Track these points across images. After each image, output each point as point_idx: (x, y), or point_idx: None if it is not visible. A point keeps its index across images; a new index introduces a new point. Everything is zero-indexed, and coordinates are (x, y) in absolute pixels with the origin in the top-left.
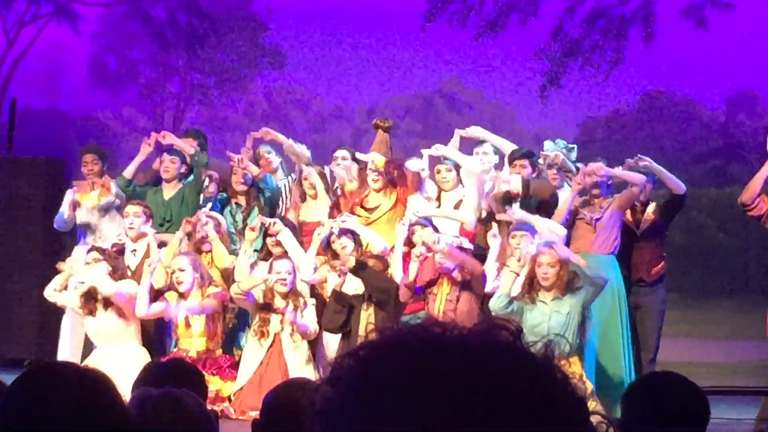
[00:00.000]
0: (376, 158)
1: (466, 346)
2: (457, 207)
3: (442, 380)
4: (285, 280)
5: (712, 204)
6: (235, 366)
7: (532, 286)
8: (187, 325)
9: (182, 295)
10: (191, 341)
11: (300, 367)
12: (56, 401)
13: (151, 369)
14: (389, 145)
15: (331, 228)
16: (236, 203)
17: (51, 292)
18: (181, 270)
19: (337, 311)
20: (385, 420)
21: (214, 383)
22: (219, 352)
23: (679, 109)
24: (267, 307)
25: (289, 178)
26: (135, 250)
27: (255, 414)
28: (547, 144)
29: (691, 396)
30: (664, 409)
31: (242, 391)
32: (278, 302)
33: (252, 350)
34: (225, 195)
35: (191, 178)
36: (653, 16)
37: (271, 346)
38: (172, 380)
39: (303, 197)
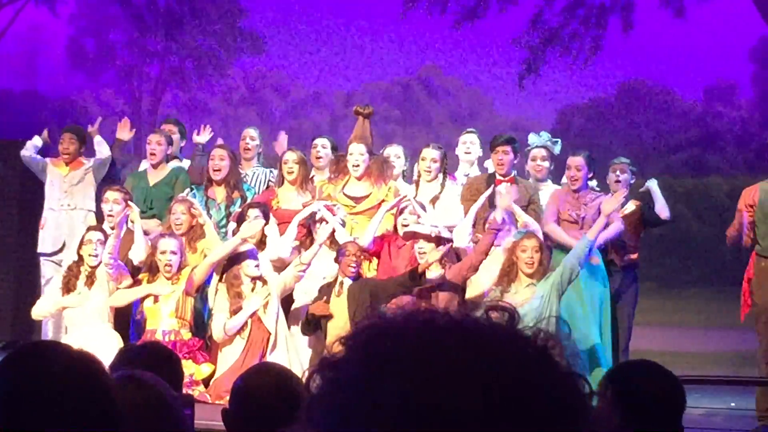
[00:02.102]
0: (357, 147)
1: (467, 326)
2: (433, 202)
3: (449, 361)
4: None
5: (688, 193)
6: (205, 348)
7: (509, 276)
8: (156, 302)
9: (164, 278)
10: (160, 321)
11: (282, 342)
12: (46, 382)
13: (125, 353)
14: (370, 131)
15: (315, 210)
16: (210, 198)
17: (39, 312)
18: (173, 253)
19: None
20: (389, 401)
21: (188, 367)
22: (188, 335)
23: (657, 98)
24: (237, 296)
25: (269, 171)
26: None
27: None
28: (532, 137)
29: (666, 384)
30: (639, 397)
31: (221, 376)
32: (245, 288)
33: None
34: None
35: (181, 167)
36: (632, 6)
37: (250, 333)
38: (147, 364)
39: (281, 182)
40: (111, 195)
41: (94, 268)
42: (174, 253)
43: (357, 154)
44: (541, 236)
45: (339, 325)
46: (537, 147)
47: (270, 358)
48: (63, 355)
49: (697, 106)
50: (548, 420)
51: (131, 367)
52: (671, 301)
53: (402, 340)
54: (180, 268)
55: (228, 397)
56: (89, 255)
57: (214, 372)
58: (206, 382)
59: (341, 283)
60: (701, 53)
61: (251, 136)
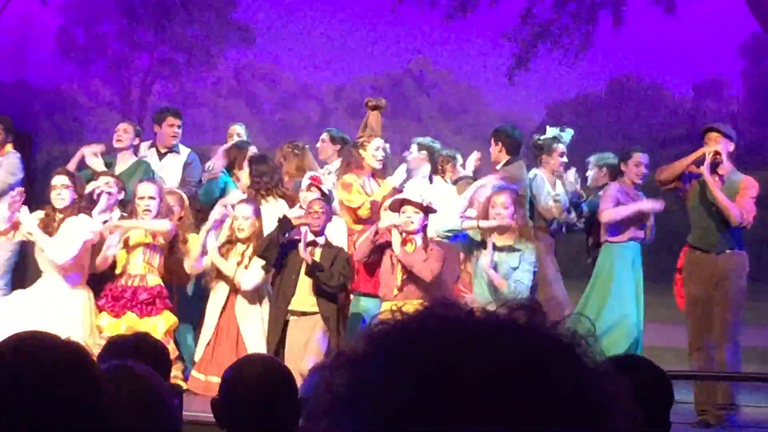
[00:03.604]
0: (380, 142)
1: (494, 326)
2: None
3: (481, 363)
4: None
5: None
6: (170, 297)
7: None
8: (127, 248)
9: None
10: (127, 265)
11: (253, 327)
12: (34, 373)
13: (113, 343)
14: (381, 124)
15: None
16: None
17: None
18: (152, 198)
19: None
20: (421, 403)
21: (140, 325)
22: (155, 281)
23: (647, 94)
24: (230, 242)
25: None
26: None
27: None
28: (550, 129)
29: (654, 379)
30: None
31: (201, 360)
32: (233, 256)
33: (210, 310)
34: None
35: (142, 160)
36: (623, 1)
37: (224, 308)
38: (135, 354)
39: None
40: (58, 180)
41: (63, 210)
42: (152, 198)
43: (381, 149)
44: (507, 198)
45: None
46: (563, 143)
47: (244, 337)
48: (51, 345)
49: (686, 101)
50: (575, 420)
51: (119, 358)
52: (659, 296)
53: (430, 339)
54: (159, 215)
55: (209, 377)
56: (56, 198)
57: (175, 325)
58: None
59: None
60: (691, 49)
61: (238, 133)
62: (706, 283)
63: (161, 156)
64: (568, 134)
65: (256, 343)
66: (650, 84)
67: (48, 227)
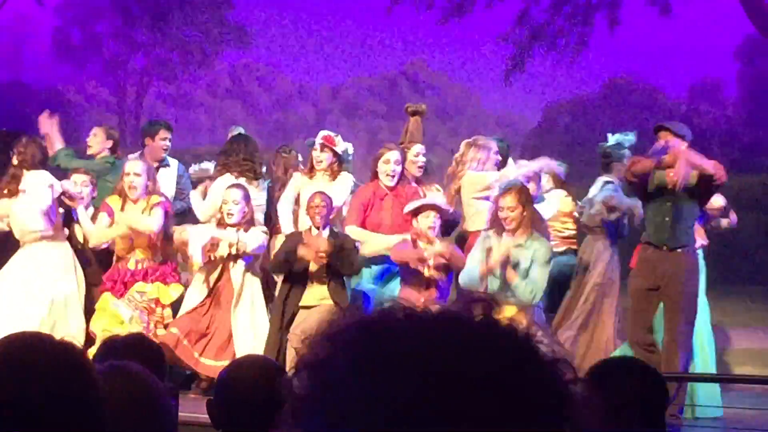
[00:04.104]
0: (421, 148)
1: (450, 321)
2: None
3: (436, 357)
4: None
5: None
6: (178, 272)
7: (498, 223)
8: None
9: (133, 201)
10: (132, 252)
11: (246, 305)
12: (29, 374)
13: (110, 344)
14: (422, 130)
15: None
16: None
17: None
18: (137, 174)
19: (285, 256)
20: (381, 400)
21: (153, 291)
22: (159, 258)
23: (642, 96)
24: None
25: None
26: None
27: (205, 362)
28: (614, 136)
29: (650, 381)
30: (623, 393)
31: (184, 315)
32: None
33: (197, 283)
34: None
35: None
36: (618, 3)
37: (218, 280)
38: (131, 355)
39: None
40: (78, 178)
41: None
42: (138, 174)
43: (421, 155)
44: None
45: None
46: (628, 148)
47: (233, 313)
48: (47, 346)
49: (681, 104)
50: (535, 407)
51: (116, 358)
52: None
53: (388, 337)
54: (148, 192)
55: (203, 360)
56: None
57: (183, 296)
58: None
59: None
60: (687, 51)
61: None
62: (655, 278)
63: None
64: (630, 138)
65: (247, 325)
66: (645, 86)
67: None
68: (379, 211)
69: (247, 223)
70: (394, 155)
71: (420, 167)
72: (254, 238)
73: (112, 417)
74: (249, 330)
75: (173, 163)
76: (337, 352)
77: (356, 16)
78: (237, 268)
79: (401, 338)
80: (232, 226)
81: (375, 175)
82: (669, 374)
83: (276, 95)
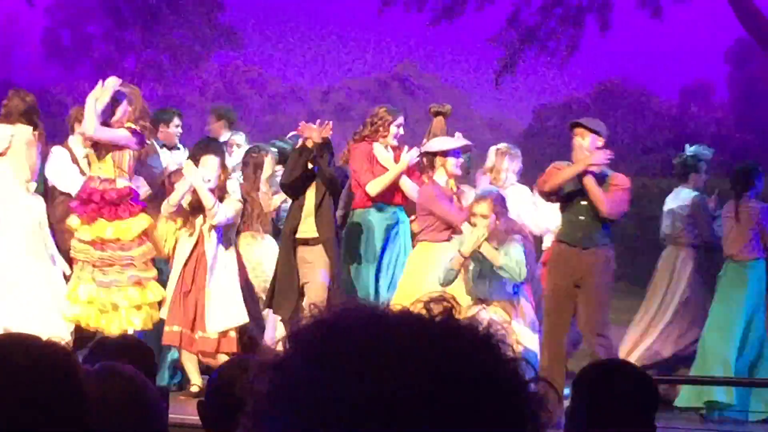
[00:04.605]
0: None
1: (410, 320)
2: None
3: (398, 356)
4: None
5: (663, 194)
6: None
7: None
8: (98, 154)
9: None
10: (98, 167)
11: (220, 273)
12: (14, 375)
13: (99, 345)
14: (446, 130)
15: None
16: None
17: None
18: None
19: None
20: (340, 399)
21: (98, 229)
22: (123, 184)
23: (633, 99)
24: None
25: None
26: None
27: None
28: (691, 148)
29: (640, 383)
30: (614, 396)
31: (171, 305)
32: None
33: (180, 253)
34: None
35: None
36: (609, 5)
37: (195, 245)
38: (121, 356)
39: None
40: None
41: None
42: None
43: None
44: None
45: None
46: (705, 160)
47: (207, 285)
48: (32, 347)
49: (672, 106)
50: (494, 406)
51: (105, 359)
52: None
53: (348, 337)
54: (125, 113)
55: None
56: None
57: (152, 228)
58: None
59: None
60: (677, 54)
61: (237, 143)
62: (569, 277)
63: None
64: (707, 154)
65: (221, 294)
66: (637, 88)
67: None
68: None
69: (221, 189)
70: (401, 120)
71: (459, 167)
72: (224, 212)
73: (103, 419)
74: (222, 302)
75: (184, 149)
76: (296, 352)
77: (347, 17)
78: (211, 241)
79: (360, 338)
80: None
81: (368, 136)
82: (658, 377)
83: (267, 97)
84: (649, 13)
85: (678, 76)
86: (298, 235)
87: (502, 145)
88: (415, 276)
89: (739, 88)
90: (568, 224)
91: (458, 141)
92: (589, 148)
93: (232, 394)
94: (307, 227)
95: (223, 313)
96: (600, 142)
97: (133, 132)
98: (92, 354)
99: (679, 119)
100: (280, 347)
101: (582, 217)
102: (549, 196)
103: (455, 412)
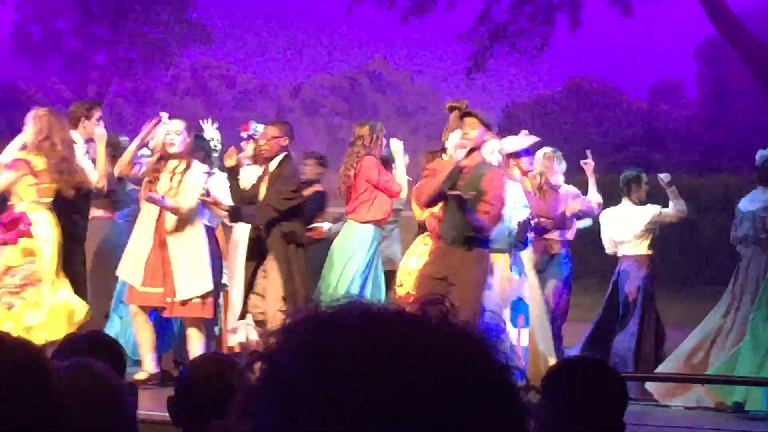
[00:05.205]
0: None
1: (406, 321)
2: None
3: (391, 355)
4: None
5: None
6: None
7: None
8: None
9: None
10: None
11: (183, 254)
12: None
13: (69, 342)
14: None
15: None
16: None
17: None
18: None
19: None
20: (332, 394)
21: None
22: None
23: (603, 96)
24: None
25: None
26: None
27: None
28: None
29: (609, 381)
30: (583, 393)
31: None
32: (165, 173)
33: (141, 231)
34: None
35: None
36: (580, 4)
37: (157, 224)
38: (90, 352)
39: None
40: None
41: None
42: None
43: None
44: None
45: None
46: None
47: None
48: (1, 345)
49: (642, 104)
50: (484, 412)
51: (75, 356)
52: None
53: (341, 333)
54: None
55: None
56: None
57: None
58: None
59: None
60: (647, 52)
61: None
62: (445, 269)
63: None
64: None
65: (183, 262)
66: (606, 86)
67: None
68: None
69: (189, 155)
70: None
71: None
72: (188, 200)
73: (74, 415)
74: (187, 268)
75: None
76: (289, 346)
77: (318, 14)
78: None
79: (354, 336)
80: (174, 156)
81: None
82: (626, 374)
83: (237, 93)
84: (619, 11)
85: (648, 74)
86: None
87: (547, 150)
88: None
89: (708, 86)
90: (446, 222)
91: (528, 139)
92: (476, 139)
93: (203, 391)
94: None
95: (188, 282)
96: (488, 136)
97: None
98: (62, 351)
99: (648, 117)
100: (267, 339)
101: (451, 214)
102: (429, 205)
103: (443, 414)
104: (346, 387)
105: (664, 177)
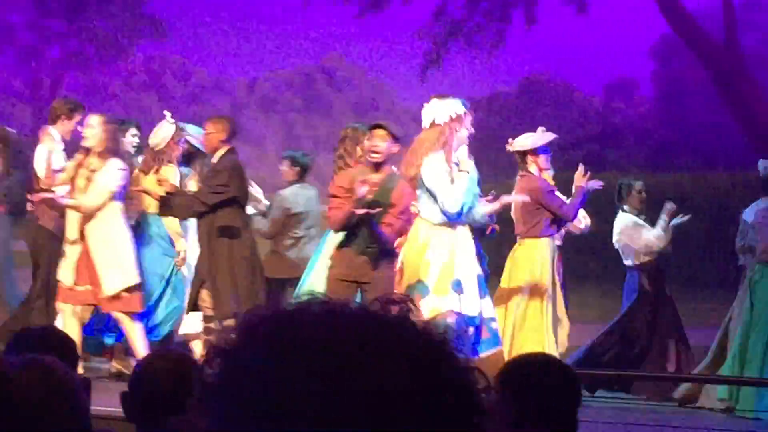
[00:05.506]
0: None
1: (366, 318)
2: None
3: (352, 352)
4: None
5: None
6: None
7: None
8: None
9: None
10: None
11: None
12: None
13: (20, 338)
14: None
15: None
16: None
17: None
18: None
19: None
20: (292, 390)
21: None
22: None
23: (558, 93)
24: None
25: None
26: None
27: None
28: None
29: (563, 377)
30: (537, 390)
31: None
32: (83, 168)
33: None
34: None
35: None
36: (535, 1)
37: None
38: (42, 348)
39: None
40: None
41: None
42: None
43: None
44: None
45: None
46: None
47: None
48: None
49: (597, 102)
50: (444, 411)
51: (28, 351)
52: (570, 296)
53: (302, 330)
54: None
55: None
56: None
57: None
58: None
59: None
60: (603, 49)
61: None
62: (352, 270)
63: None
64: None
65: (105, 258)
66: (562, 84)
67: None
68: None
69: (109, 153)
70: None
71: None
72: (91, 199)
73: (29, 411)
74: (109, 263)
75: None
76: (248, 342)
77: (273, 9)
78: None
79: (315, 332)
80: (94, 153)
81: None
82: (581, 371)
83: (192, 88)
84: (574, 8)
85: (603, 72)
86: None
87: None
88: (527, 275)
89: (663, 84)
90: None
91: (546, 136)
92: (384, 151)
93: (156, 386)
94: None
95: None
96: (395, 148)
97: None
98: (14, 346)
99: (603, 114)
100: (225, 335)
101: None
102: (343, 230)
103: (402, 412)
104: (308, 384)
105: (669, 207)
